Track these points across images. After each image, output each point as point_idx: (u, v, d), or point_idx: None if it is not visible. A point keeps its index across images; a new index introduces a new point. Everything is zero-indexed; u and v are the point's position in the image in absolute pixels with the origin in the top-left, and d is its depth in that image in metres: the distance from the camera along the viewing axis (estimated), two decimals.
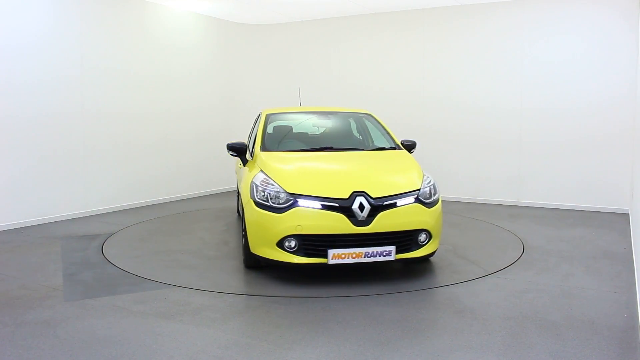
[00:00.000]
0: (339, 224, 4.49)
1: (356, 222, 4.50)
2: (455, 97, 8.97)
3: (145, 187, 8.66)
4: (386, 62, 9.52)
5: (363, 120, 6.27)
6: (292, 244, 4.54)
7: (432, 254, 4.99)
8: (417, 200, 4.75)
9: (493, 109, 8.70)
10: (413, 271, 5.06)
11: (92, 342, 3.50)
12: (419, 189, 4.80)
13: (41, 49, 7.07)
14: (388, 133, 5.99)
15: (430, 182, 5.00)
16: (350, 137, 6.19)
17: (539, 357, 3.29)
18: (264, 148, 5.60)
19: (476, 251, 5.77)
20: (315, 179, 4.86)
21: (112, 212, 8.01)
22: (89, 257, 5.57)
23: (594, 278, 4.86)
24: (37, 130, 7.06)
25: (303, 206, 4.55)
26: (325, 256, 4.49)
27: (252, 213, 4.75)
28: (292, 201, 4.57)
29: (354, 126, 6.35)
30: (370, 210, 4.53)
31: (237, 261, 5.38)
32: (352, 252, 4.48)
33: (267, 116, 6.15)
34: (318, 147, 5.70)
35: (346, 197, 4.54)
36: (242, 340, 3.55)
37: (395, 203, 4.65)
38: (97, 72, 7.79)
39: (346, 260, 4.49)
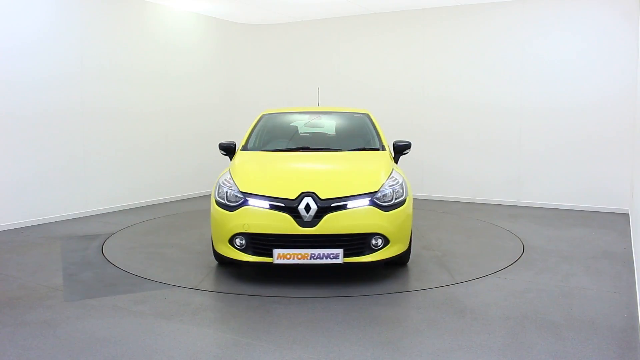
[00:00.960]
0: (284, 224, 4.47)
1: (302, 222, 4.45)
2: (455, 97, 8.97)
3: (146, 187, 8.66)
4: (386, 62, 9.52)
5: (357, 121, 6.15)
6: (243, 242, 4.60)
7: (404, 257, 4.99)
8: (373, 202, 4.57)
9: (493, 108, 8.69)
10: (411, 272, 5.07)
11: (92, 342, 3.50)
12: (376, 191, 4.63)
13: (41, 48, 7.07)
14: (377, 134, 5.84)
15: (396, 183, 4.77)
16: (334, 137, 6.05)
17: (539, 357, 3.29)
18: (244, 148, 5.65)
19: (466, 258, 5.64)
20: (268, 179, 4.89)
21: (112, 212, 8.01)
22: (89, 257, 5.57)
23: (594, 278, 4.86)
24: (38, 130, 7.06)
25: (252, 205, 4.59)
26: (272, 255, 4.50)
27: (213, 210, 4.87)
28: (242, 200, 4.63)
29: (345, 126, 6.21)
30: (318, 212, 4.45)
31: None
32: (297, 252, 4.45)
33: (262, 117, 6.16)
34: (296, 147, 5.66)
35: (294, 197, 4.50)
36: (242, 340, 3.55)
37: (346, 205, 4.51)
38: (98, 72, 7.79)
39: (291, 261, 4.47)
